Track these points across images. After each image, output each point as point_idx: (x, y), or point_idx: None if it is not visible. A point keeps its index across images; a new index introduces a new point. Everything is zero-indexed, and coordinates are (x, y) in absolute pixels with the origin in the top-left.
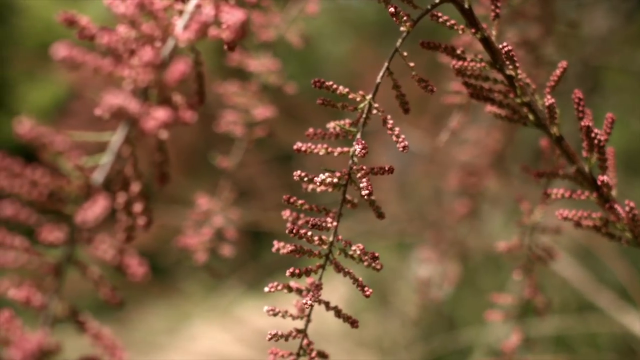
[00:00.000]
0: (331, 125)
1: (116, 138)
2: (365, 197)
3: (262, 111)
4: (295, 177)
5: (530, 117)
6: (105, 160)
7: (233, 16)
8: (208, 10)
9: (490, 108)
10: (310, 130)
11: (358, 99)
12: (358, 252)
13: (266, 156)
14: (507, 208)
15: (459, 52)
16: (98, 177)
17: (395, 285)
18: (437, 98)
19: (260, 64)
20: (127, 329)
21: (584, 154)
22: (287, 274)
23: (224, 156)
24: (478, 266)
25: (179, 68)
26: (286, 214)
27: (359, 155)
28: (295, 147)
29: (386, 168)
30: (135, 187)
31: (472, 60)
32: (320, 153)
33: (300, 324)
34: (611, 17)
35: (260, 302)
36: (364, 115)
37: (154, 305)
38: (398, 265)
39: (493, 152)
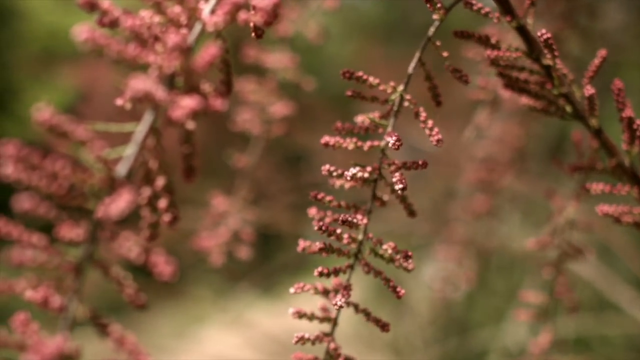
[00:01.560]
0: (360, 118)
1: (140, 128)
2: (399, 192)
3: (280, 108)
4: (323, 172)
5: (568, 108)
6: (129, 151)
7: None
8: None
9: (525, 100)
10: (338, 123)
11: (389, 91)
12: (389, 251)
13: (273, 158)
14: (521, 206)
15: (493, 41)
16: (121, 169)
17: (408, 286)
18: (446, 97)
19: (277, 60)
20: (135, 331)
21: (624, 146)
22: (316, 273)
23: (239, 155)
24: (490, 267)
25: (210, 51)
26: (313, 211)
27: (392, 147)
28: (322, 141)
29: (419, 162)
30: (160, 181)
31: (507, 50)
32: (349, 147)
33: (312, 327)
34: (624, 13)
35: (270, 305)
36: (395, 107)
37: (163, 308)
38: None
39: (511, 149)
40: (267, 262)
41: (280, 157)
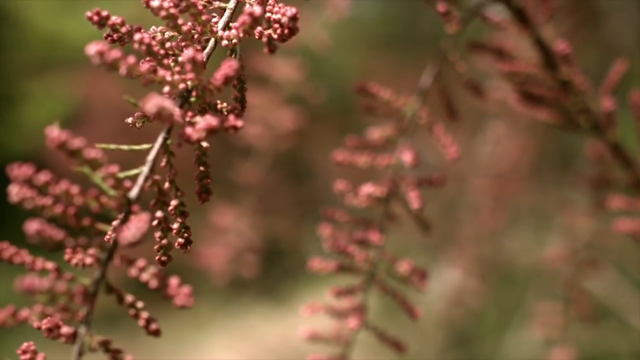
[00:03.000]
0: (375, 134)
1: (154, 148)
2: (415, 211)
3: (288, 122)
4: (336, 190)
5: (585, 122)
6: (143, 172)
7: (286, 11)
8: (255, 5)
9: (541, 115)
10: (351, 139)
11: (401, 106)
12: (405, 270)
13: (272, 165)
14: (527, 216)
15: (508, 54)
16: (133, 191)
17: (412, 297)
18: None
19: (284, 72)
20: (134, 340)
21: None
22: (331, 293)
23: (247, 169)
24: (495, 280)
25: (231, 66)
26: (326, 230)
27: (408, 165)
28: (334, 159)
29: (435, 179)
30: (173, 203)
31: (523, 64)
32: (362, 165)
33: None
34: (633, 25)
35: (272, 312)
36: (410, 124)
37: (162, 315)
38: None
39: (520, 162)
40: (267, 269)
41: (280, 166)
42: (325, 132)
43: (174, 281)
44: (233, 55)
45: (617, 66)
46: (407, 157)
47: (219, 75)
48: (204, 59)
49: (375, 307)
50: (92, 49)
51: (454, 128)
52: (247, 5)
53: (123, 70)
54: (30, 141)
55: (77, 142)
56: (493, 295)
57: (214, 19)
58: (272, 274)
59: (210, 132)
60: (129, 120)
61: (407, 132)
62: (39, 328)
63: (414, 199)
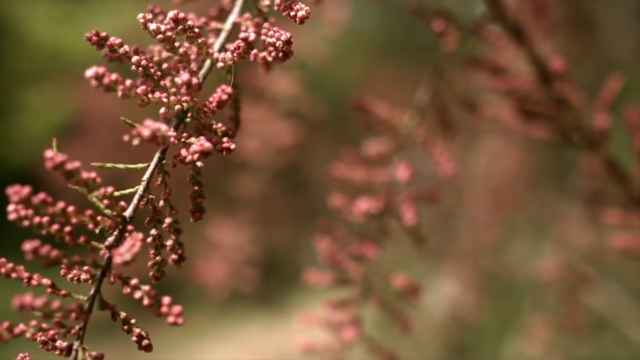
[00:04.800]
0: (371, 149)
1: (149, 168)
2: (410, 229)
3: (285, 138)
4: (332, 207)
5: (580, 138)
6: (138, 192)
7: (280, 35)
8: (250, 30)
9: (536, 131)
10: (348, 153)
11: (396, 122)
12: (399, 286)
13: (271, 182)
14: (523, 227)
15: (505, 71)
16: (128, 210)
17: (412, 309)
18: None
19: (282, 87)
20: (130, 347)
21: (637, 180)
22: (326, 306)
23: (240, 185)
24: (492, 291)
25: (224, 89)
26: (322, 244)
27: (404, 181)
28: (331, 175)
29: (429, 195)
30: (167, 221)
31: (522, 81)
32: (357, 181)
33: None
34: (630, 35)
35: (268, 318)
36: (405, 139)
37: (159, 322)
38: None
39: (514, 175)
40: (264, 278)
41: (277, 176)
42: (323, 141)
43: (166, 300)
44: (229, 76)
45: (611, 83)
46: (402, 174)
47: (213, 99)
48: (199, 82)
49: (374, 316)
50: (90, 72)
51: (450, 139)
52: (243, 28)
53: (120, 93)
54: (27, 152)
55: (73, 164)
56: (491, 306)
57: (210, 40)
58: (269, 283)
59: (204, 154)
60: (125, 138)
61: (404, 148)
62: (34, 340)
63: (408, 216)
